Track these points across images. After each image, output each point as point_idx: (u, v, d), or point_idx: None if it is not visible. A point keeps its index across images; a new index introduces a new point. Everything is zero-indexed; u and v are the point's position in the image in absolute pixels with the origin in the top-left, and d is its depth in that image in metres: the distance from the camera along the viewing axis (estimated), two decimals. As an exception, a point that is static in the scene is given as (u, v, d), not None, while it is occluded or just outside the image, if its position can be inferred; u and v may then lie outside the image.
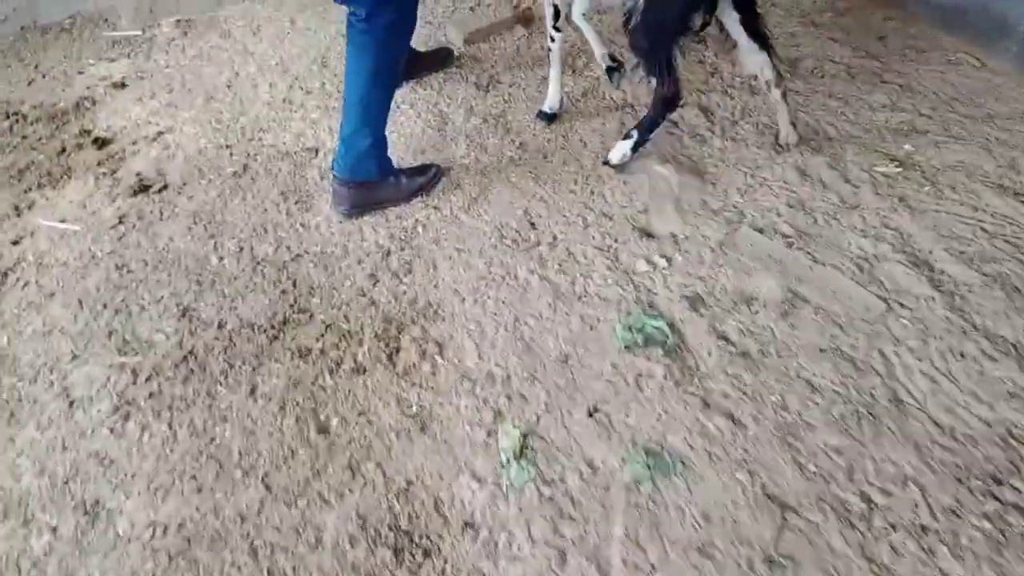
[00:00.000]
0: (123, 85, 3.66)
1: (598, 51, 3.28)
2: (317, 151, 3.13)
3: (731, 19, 2.59)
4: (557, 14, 2.88)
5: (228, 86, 3.58)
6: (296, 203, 2.88)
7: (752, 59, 2.67)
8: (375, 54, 2.51)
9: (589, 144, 3.00)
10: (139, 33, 4.07)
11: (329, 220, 2.79)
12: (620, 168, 2.85)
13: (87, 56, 3.88)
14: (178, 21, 4.11)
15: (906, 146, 2.83)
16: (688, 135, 2.99)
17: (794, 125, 2.84)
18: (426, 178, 2.85)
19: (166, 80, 3.66)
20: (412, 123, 3.20)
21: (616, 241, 2.59)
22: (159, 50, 3.91)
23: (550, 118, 3.13)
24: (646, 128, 2.80)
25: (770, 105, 2.86)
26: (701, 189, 2.75)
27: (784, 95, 2.76)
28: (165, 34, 4.03)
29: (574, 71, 3.41)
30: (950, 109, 2.97)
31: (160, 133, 3.31)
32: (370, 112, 2.60)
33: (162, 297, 2.55)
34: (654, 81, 2.66)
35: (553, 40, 2.96)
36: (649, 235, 2.61)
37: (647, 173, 2.84)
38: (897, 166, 2.74)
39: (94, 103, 3.54)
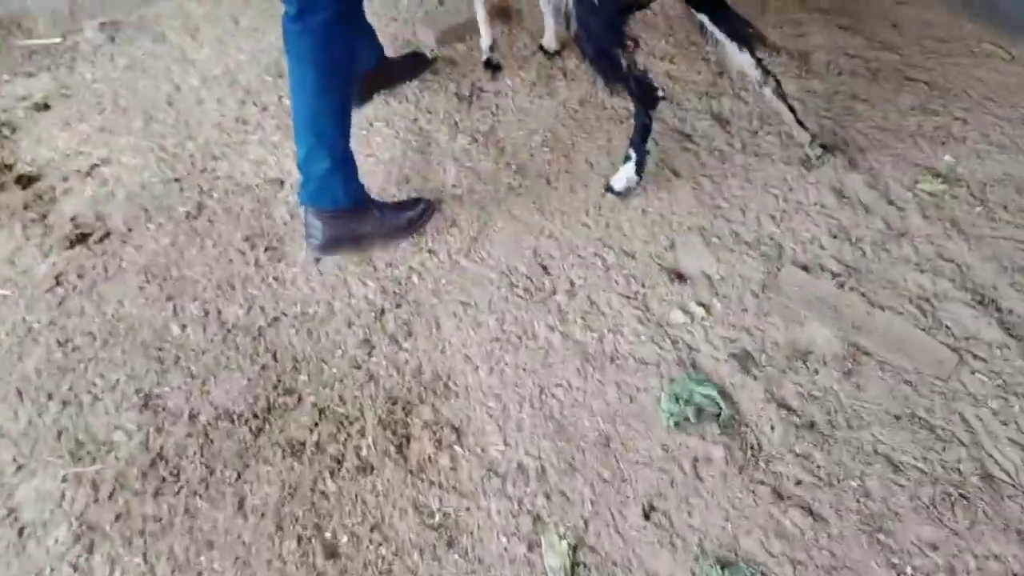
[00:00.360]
0: (46, 106, 3.17)
1: (549, 36, 3.13)
2: (282, 183, 2.73)
3: (706, 20, 2.36)
4: None
5: (169, 103, 3.13)
6: (266, 250, 2.49)
7: (734, 59, 2.43)
8: (315, 58, 2.18)
9: (596, 166, 2.66)
10: (59, 40, 3.55)
11: (307, 271, 2.41)
12: (626, 195, 2.53)
13: (1, 71, 3.37)
14: (103, 24, 3.60)
15: (946, 157, 2.56)
16: (705, 151, 2.67)
17: (803, 125, 2.54)
18: (415, 212, 2.49)
19: (96, 98, 3.18)
20: (390, 145, 2.81)
21: (643, 286, 2.28)
22: (84, 60, 3.41)
23: (495, 66, 3.09)
24: (639, 139, 2.47)
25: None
26: (729, 216, 2.45)
27: (779, 95, 2.48)
28: (89, 40, 3.53)
29: (565, 75, 3.05)
30: (985, 110, 2.71)
31: (95, 165, 2.86)
32: (323, 130, 2.25)
33: (117, 381, 2.15)
34: (617, 86, 2.36)
35: None
36: (680, 276, 2.30)
37: (666, 199, 2.52)
38: (941, 182, 2.47)
39: (13, 130, 3.06)
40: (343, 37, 2.25)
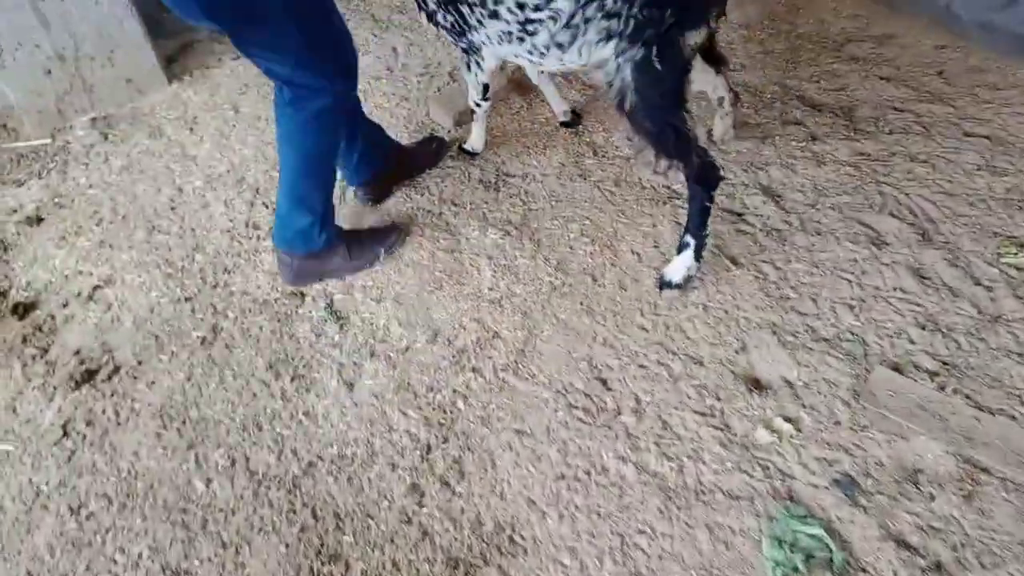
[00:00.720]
0: (39, 219, 2.94)
1: (558, 108, 2.98)
2: (303, 295, 2.50)
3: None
4: (486, 89, 2.61)
5: (172, 208, 2.90)
6: (292, 380, 2.26)
7: (704, 79, 2.46)
8: (301, 145, 2.20)
9: (644, 256, 2.44)
10: (48, 141, 3.33)
11: (340, 402, 2.18)
12: (685, 287, 2.30)
13: (-13, 181, 3.14)
14: (94, 120, 3.39)
15: (1026, 222, 2.35)
16: (762, 232, 2.45)
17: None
18: (386, 246, 2.52)
19: (92, 206, 2.95)
20: (416, 246, 2.58)
21: (718, 399, 2.05)
22: (77, 163, 3.19)
23: (471, 155, 2.90)
24: (697, 223, 2.24)
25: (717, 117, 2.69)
26: (801, 308, 2.23)
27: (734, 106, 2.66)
28: (80, 139, 3.31)
29: (595, 152, 2.84)
30: (1059, 166, 2.50)
31: (96, 287, 2.62)
32: (306, 197, 2.32)
33: (140, 556, 1.91)
34: (678, 164, 2.14)
35: (479, 106, 2.71)
36: (757, 385, 2.07)
37: (728, 292, 2.30)
38: (1027, 253, 2.26)
39: (6, 249, 2.83)
40: (336, 124, 2.23)
